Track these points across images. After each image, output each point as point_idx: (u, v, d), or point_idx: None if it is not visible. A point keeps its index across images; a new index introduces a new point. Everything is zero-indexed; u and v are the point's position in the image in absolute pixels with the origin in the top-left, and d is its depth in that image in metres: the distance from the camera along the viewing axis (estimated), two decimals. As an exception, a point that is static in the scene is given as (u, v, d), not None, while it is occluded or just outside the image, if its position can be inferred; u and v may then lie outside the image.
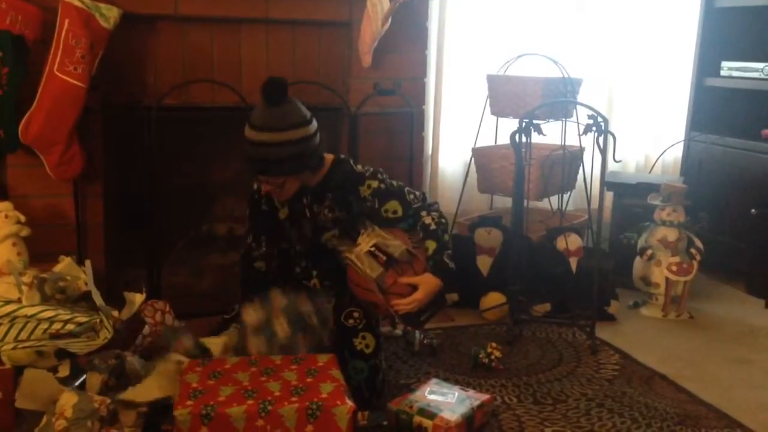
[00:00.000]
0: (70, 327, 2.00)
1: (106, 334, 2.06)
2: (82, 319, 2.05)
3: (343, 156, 2.39)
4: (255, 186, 2.35)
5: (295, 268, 2.38)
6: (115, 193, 2.94)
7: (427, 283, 2.22)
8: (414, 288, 2.21)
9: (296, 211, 2.33)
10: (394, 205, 2.30)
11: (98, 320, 2.06)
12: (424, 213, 2.30)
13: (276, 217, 2.35)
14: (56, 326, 1.99)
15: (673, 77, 4.04)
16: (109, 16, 2.63)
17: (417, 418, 2.12)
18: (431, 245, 2.26)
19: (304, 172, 2.22)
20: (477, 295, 3.14)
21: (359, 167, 2.34)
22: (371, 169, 2.33)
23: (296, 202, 2.32)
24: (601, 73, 3.89)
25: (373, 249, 2.21)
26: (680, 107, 4.04)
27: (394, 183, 2.34)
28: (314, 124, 2.21)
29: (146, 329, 2.49)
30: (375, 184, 2.29)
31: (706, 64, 3.88)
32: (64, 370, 1.95)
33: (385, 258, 2.20)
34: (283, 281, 2.31)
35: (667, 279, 3.20)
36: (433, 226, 2.28)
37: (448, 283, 2.26)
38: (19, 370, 1.93)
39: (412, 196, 2.33)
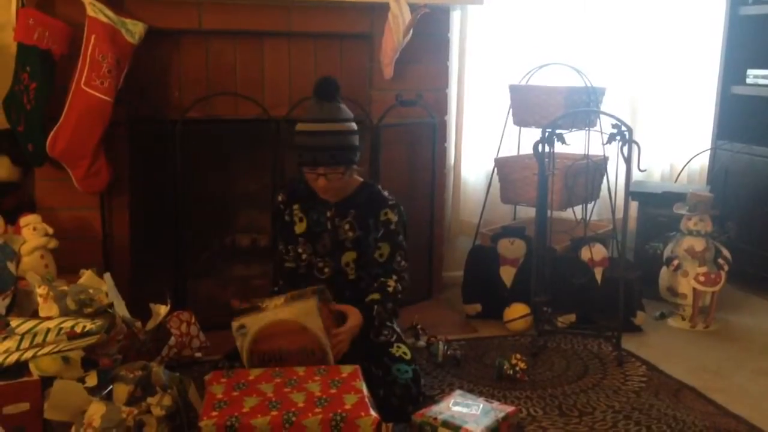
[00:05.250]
0: (86, 326, 2.03)
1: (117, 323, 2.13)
2: (100, 321, 2.08)
3: (370, 181, 2.52)
4: (279, 197, 2.45)
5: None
6: (141, 205, 2.98)
7: (355, 313, 2.23)
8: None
9: (317, 223, 2.40)
10: (385, 249, 2.37)
11: (112, 318, 2.11)
12: (394, 277, 2.35)
13: (293, 231, 2.42)
14: (69, 323, 2.03)
15: (698, 85, 4.00)
16: (135, 31, 2.68)
17: (441, 430, 2.11)
18: (375, 296, 2.31)
19: (354, 165, 2.32)
20: (500, 306, 3.12)
21: (386, 193, 2.43)
22: (395, 201, 2.41)
23: (320, 214, 2.39)
24: (624, 81, 3.86)
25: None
26: (706, 115, 3.99)
27: (402, 236, 2.40)
28: None
29: (172, 340, 2.51)
30: (392, 216, 2.38)
31: (732, 72, 3.84)
32: (91, 380, 1.97)
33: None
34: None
35: (694, 289, 3.16)
36: (390, 290, 2.33)
37: (368, 326, 2.27)
38: (46, 380, 1.95)
39: (399, 257, 2.38)
